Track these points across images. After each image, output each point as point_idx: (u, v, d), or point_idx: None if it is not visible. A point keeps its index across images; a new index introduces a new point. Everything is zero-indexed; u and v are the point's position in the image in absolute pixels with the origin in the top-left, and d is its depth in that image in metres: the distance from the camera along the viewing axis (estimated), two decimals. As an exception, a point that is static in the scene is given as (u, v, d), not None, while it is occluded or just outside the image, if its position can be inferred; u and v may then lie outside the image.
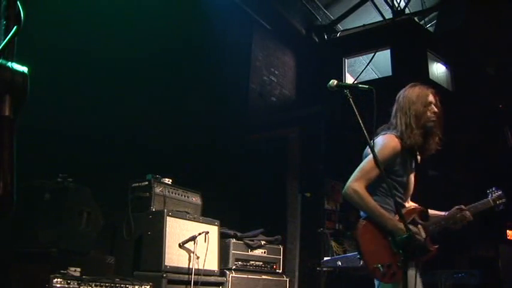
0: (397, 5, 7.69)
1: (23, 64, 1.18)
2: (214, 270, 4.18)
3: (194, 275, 3.89)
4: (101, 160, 4.29)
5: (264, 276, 4.70)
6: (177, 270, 3.85)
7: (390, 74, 7.21)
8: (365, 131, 2.17)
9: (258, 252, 4.82)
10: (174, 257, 3.87)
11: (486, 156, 7.04)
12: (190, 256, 3.98)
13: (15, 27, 1.19)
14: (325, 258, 5.46)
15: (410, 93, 2.71)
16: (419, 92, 2.69)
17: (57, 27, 3.98)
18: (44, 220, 3.29)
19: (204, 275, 4.00)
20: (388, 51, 7.25)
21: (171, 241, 3.90)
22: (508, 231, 7.05)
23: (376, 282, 2.57)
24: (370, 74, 8.04)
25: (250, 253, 4.72)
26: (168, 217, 3.93)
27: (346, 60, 7.85)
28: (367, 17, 8.21)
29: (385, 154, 2.50)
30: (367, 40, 7.55)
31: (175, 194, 4.43)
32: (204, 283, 3.98)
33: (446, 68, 7.55)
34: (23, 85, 1.17)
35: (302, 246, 6.92)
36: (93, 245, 3.57)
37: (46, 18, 3.68)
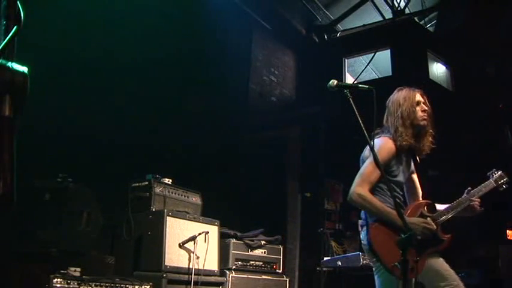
0: (397, 5, 7.68)
1: (23, 64, 1.18)
2: (214, 270, 4.18)
3: (194, 275, 3.89)
4: (101, 160, 4.29)
5: (264, 276, 4.70)
6: (177, 270, 3.85)
7: (390, 74, 7.20)
8: (365, 131, 2.19)
9: (258, 252, 4.82)
10: (174, 257, 3.87)
11: (486, 156, 7.03)
12: (190, 256, 3.98)
13: (15, 27, 1.19)
14: (325, 258, 5.47)
15: (397, 96, 2.79)
16: (406, 93, 2.76)
17: (57, 27, 3.98)
18: (44, 220, 3.29)
19: (204, 275, 4.00)
20: (388, 51, 7.23)
21: (171, 241, 3.90)
22: (508, 231, 7.04)
23: (378, 282, 2.61)
24: (370, 74, 8.02)
25: (250, 253, 4.72)
26: (168, 217, 3.93)
27: (346, 60, 7.84)
28: (367, 17, 8.19)
29: (381, 156, 2.54)
30: (367, 40, 7.53)
31: (175, 194, 4.43)
32: (204, 283, 3.98)
33: (446, 68, 7.54)
34: (23, 85, 1.17)
35: (302, 246, 6.92)
36: (93, 245, 3.58)
37: (46, 18, 3.68)
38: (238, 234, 4.73)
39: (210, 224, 4.29)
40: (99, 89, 4.41)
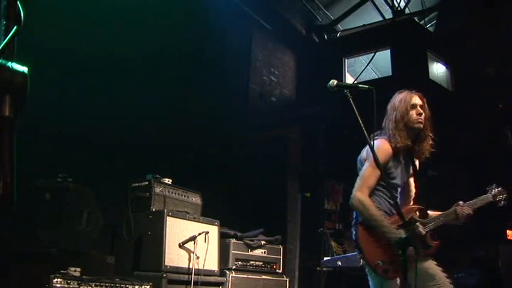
0: (397, 5, 7.68)
1: (23, 64, 1.18)
2: (214, 270, 4.18)
3: (194, 275, 3.89)
4: (101, 160, 4.29)
5: (264, 276, 4.70)
6: (177, 270, 3.85)
7: (390, 74, 7.20)
8: (365, 131, 2.20)
9: (258, 252, 4.82)
10: (174, 257, 3.87)
11: (486, 156, 7.04)
12: (190, 256, 3.98)
13: (15, 27, 1.19)
14: (325, 258, 5.47)
15: (395, 99, 2.81)
16: (403, 96, 2.78)
17: (57, 27, 3.98)
18: (44, 220, 3.30)
19: (204, 275, 4.00)
20: (388, 51, 7.24)
21: (171, 241, 3.90)
22: (508, 231, 7.04)
23: (371, 283, 2.63)
24: (370, 74, 8.03)
25: (250, 253, 4.72)
26: (168, 217, 3.93)
27: (346, 60, 7.84)
28: (367, 17, 8.20)
29: (379, 157, 2.54)
30: (367, 40, 7.54)
31: (175, 194, 4.43)
32: (204, 283, 3.98)
33: (446, 68, 7.54)
34: (23, 85, 1.17)
35: (302, 246, 6.92)
36: (93, 245, 3.57)
37: (46, 18, 3.68)
38: (238, 234, 4.73)
39: (210, 224, 4.29)
40: (99, 89, 4.41)
